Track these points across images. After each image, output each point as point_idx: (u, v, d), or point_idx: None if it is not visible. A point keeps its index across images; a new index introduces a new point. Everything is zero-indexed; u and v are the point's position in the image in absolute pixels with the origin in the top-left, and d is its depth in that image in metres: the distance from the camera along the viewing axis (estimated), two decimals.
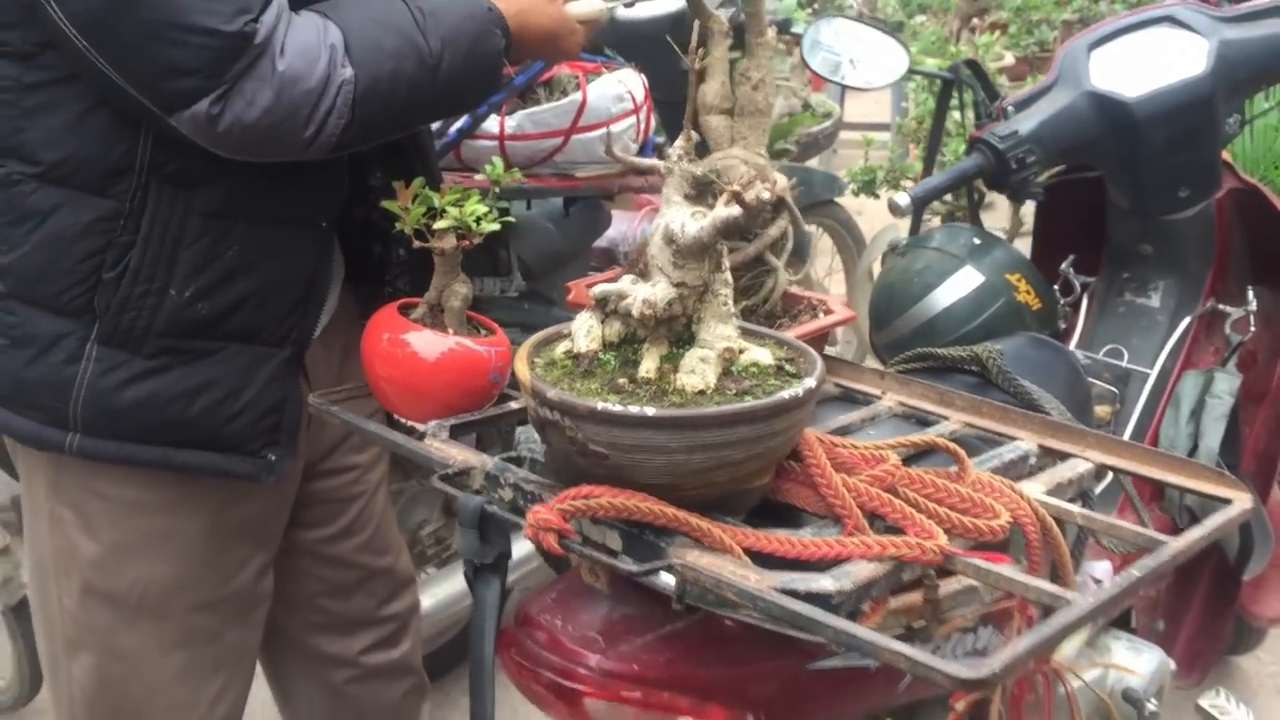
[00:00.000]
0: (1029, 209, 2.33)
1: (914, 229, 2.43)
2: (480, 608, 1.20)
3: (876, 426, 1.46)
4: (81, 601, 1.54)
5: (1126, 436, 2.05)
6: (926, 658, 0.90)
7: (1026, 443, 1.39)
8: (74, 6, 1.26)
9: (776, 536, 1.08)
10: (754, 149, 1.52)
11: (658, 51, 2.30)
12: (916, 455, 1.32)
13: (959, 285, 2.02)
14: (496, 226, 1.35)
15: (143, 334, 1.40)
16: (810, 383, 1.12)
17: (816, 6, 6.36)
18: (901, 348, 1.89)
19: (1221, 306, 2.13)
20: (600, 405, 1.06)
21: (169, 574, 1.54)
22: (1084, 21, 5.89)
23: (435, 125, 2.13)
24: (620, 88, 2.24)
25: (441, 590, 2.50)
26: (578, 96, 2.17)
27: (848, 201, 4.26)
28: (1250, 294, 2.11)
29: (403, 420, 1.45)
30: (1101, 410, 2.03)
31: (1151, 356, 2.11)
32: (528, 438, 1.30)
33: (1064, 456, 1.37)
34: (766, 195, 1.04)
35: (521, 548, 2.47)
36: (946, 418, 1.46)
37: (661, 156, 1.20)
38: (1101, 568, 1.91)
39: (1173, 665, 2.00)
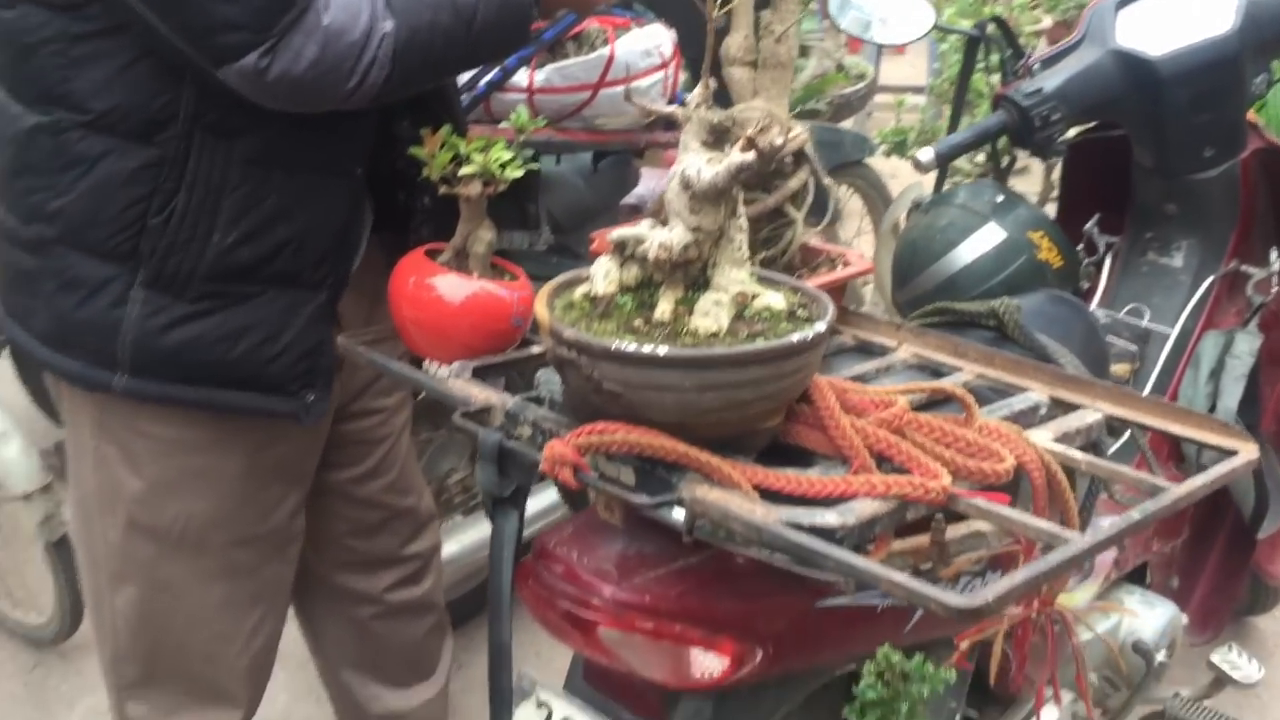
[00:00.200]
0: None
1: (938, 186, 2.43)
2: (498, 540, 1.24)
3: (890, 376, 1.48)
4: (126, 535, 1.60)
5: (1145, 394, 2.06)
6: (922, 586, 0.93)
7: (1038, 394, 1.42)
8: None
9: (784, 474, 1.11)
10: (776, 101, 1.55)
11: (687, 8, 2.31)
12: (929, 405, 1.35)
13: (981, 242, 2.03)
14: (520, 173, 1.38)
15: (187, 278, 1.45)
16: (820, 327, 1.15)
17: None
18: (923, 304, 1.90)
19: (1244, 267, 2.13)
20: (615, 345, 1.09)
21: (208, 510, 1.60)
22: None
23: (466, 79, 2.17)
24: (649, 43, 2.26)
25: (467, 537, 2.56)
26: (606, 51, 2.20)
27: (880, 163, 4.25)
28: (1274, 255, 2.10)
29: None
30: (1120, 368, 2.04)
31: (1173, 316, 2.11)
32: (547, 380, 1.34)
33: (1074, 408, 1.39)
34: (779, 141, 1.07)
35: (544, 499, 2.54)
36: (960, 369, 1.49)
37: None
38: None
39: (1185, 620, 2.03)
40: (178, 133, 1.40)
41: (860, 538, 1.08)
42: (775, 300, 1.20)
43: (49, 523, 2.43)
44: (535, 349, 1.42)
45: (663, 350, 1.08)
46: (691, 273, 1.19)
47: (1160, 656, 1.86)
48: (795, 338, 1.12)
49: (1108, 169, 2.24)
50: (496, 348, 1.40)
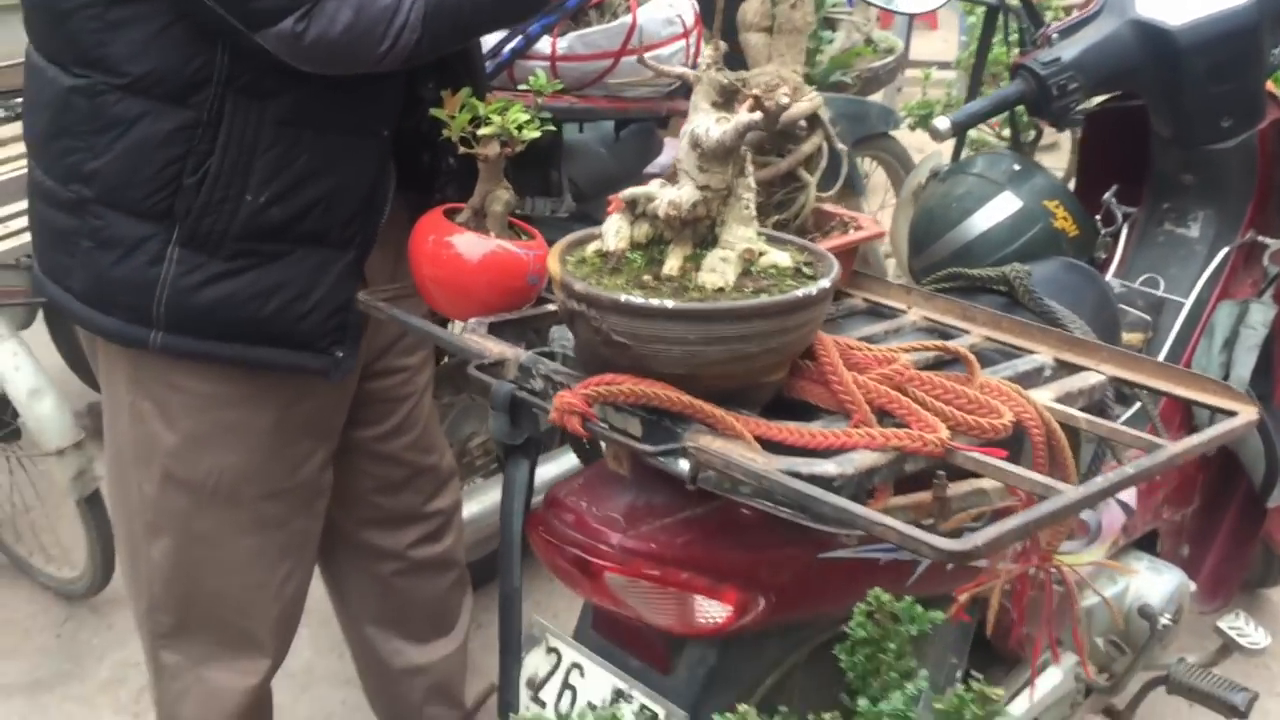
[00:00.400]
0: None
1: (956, 155, 2.45)
2: (510, 487, 1.28)
3: (900, 338, 1.51)
4: (161, 488, 1.65)
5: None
6: (913, 530, 0.97)
7: (1043, 356, 1.44)
8: None
9: (786, 426, 1.15)
10: (790, 65, 1.57)
11: None
12: (936, 365, 1.38)
13: (997, 210, 2.05)
14: (538, 134, 1.41)
15: (220, 237, 1.49)
16: (824, 283, 1.18)
17: None
18: (938, 271, 1.92)
19: (1261, 238, 2.13)
20: (623, 298, 1.13)
21: (240, 463, 1.65)
22: None
23: (490, 46, 2.19)
24: (670, 11, 2.27)
25: (488, 499, 2.60)
26: (628, 19, 2.22)
27: (909, 138, 4.25)
28: None
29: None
30: (1134, 337, 2.06)
31: (1188, 286, 2.12)
32: (560, 336, 1.38)
33: (1079, 370, 1.42)
34: (785, 101, 1.10)
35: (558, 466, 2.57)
36: (968, 331, 1.52)
37: None
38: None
39: (1193, 587, 2.05)
40: (212, 95, 1.44)
41: (858, 487, 1.11)
42: (781, 258, 1.23)
43: (81, 478, 2.48)
44: (550, 307, 1.46)
45: (669, 303, 1.12)
46: (700, 230, 1.23)
47: (1164, 620, 1.88)
48: (799, 293, 1.15)
49: (1127, 140, 2.24)
50: (512, 305, 1.44)
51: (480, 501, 2.57)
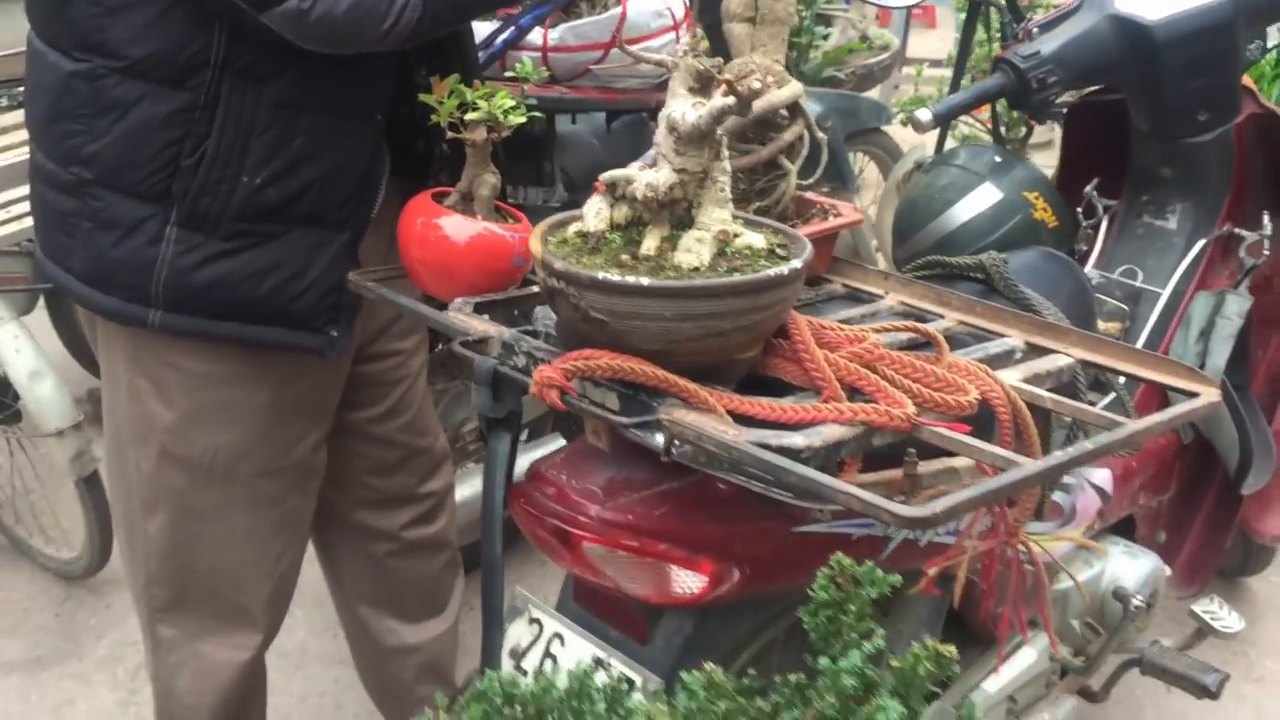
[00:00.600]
0: None
1: (939, 147, 2.49)
2: (492, 460, 1.32)
3: (876, 321, 1.54)
4: (158, 465, 1.69)
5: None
6: (872, 497, 1.01)
7: (1014, 339, 1.48)
8: None
9: (758, 401, 1.19)
10: (772, 56, 1.60)
11: None
12: (910, 348, 1.42)
13: (978, 201, 2.09)
14: (524, 119, 1.45)
15: (217, 218, 1.53)
16: (796, 264, 1.22)
17: None
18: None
19: (1237, 230, 2.17)
20: (601, 275, 1.17)
21: (236, 441, 1.69)
22: None
23: (482, 36, 2.24)
24: (660, 4, 2.32)
25: (480, 483, 2.63)
26: (618, 11, 2.26)
27: (901, 134, 4.28)
28: (1266, 219, 2.14)
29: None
30: (1111, 326, 2.10)
31: (1165, 277, 2.16)
32: (544, 315, 1.42)
33: (1049, 353, 1.46)
34: (757, 86, 1.14)
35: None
36: (943, 316, 1.56)
37: None
38: (1100, 475, 1.99)
39: (1168, 572, 2.09)
40: (209, 78, 1.48)
41: (825, 459, 1.15)
42: (756, 240, 1.27)
43: (80, 459, 2.51)
44: (535, 289, 1.50)
45: (645, 280, 1.16)
46: (677, 212, 1.27)
47: (1137, 601, 1.92)
48: (771, 272, 1.19)
49: (1108, 133, 2.28)
50: (498, 286, 1.48)
51: (472, 485, 2.61)
